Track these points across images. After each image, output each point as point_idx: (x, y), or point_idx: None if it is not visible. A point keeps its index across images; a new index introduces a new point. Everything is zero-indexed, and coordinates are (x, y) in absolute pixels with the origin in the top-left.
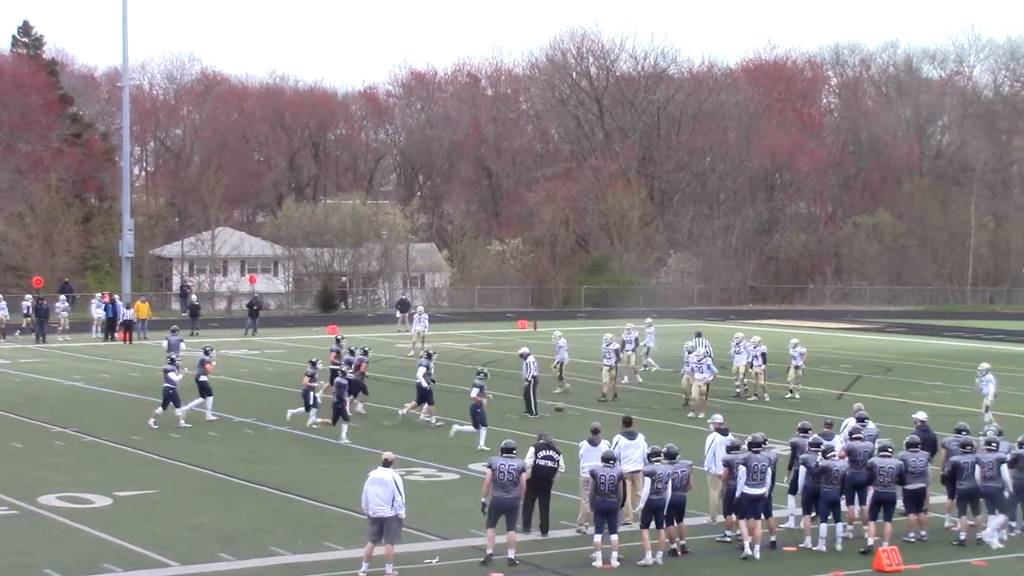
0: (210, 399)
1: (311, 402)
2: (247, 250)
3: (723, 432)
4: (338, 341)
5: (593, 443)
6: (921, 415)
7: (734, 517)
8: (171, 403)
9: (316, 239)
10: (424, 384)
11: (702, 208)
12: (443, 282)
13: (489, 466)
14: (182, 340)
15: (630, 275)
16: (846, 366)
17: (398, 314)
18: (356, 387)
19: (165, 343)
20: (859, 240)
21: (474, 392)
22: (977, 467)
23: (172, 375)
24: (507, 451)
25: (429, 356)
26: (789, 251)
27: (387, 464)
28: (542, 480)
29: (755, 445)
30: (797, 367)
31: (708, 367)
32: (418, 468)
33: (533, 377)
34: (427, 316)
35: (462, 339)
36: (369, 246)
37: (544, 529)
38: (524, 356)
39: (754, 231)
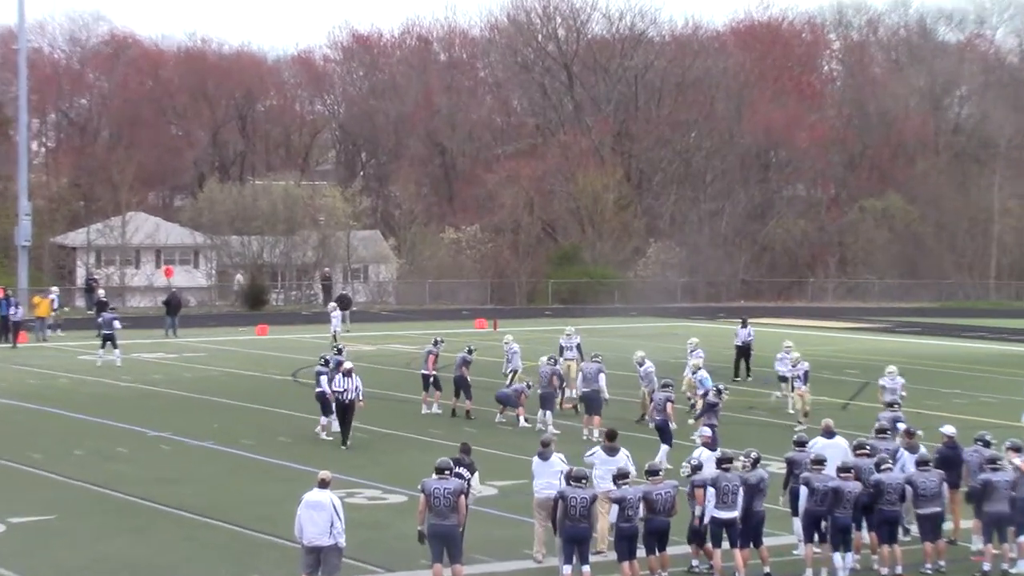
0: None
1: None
2: (163, 238)
3: (711, 448)
4: (436, 343)
5: (543, 457)
6: (949, 429)
7: (710, 545)
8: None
9: (243, 226)
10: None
11: (686, 191)
12: (389, 275)
13: (421, 489)
14: (116, 317)
15: (604, 267)
16: (852, 371)
17: (338, 311)
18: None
19: (100, 319)
20: (866, 227)
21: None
22: None
23: (325, 379)
24: (441, 471)
25: (470, 351)
26: (786, 240)
27: (324, 485)
28: None
29: (724, 461)
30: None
31: (701, 381)
32: (360, 489)
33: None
34: (340, 314)
35: (410, 341)
36: (304, 234)
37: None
38: (347, 373)
39: (746, 217)
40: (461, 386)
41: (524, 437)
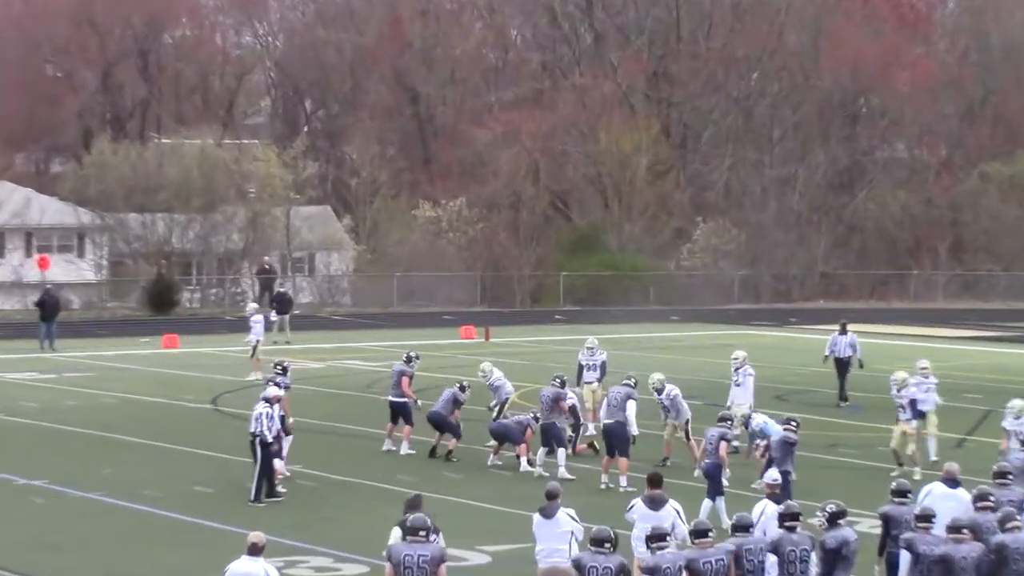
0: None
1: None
2: (36, 217)
3: (777, 500)
4: (410, 360)
5: (547, 513)
6: None
7: None
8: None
9: (145, 200)
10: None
11: (746, 151)
12: (344, 266)
13: (388, 557)
14: None
15: (635, 256)
16: (971, 396)
17: (274, 316)
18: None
19: None
20: (989, 201)
21: None
22: None
23: (276, 407)
24: (414, 532)
25: (463, 389)
26: (881, 218)
27: (255, 551)
28: None
29: (789, 518)
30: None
31: (761, 429)
32: (305, 556)
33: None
34: (263, 319)
35: (372, 355)
36: (228, 211)
37: None
38: (272, 402)
39: (827, 187)
40: (442, 426)
41: (527, 485)
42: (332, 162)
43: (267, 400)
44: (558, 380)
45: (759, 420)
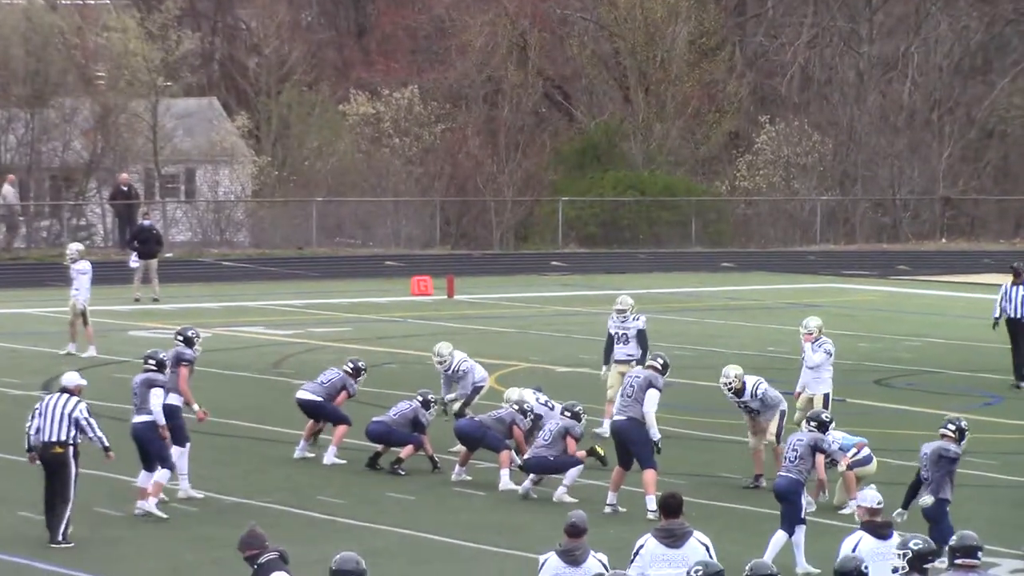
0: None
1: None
2: None
3: (878, 532)
4: (357, 373)
5: (572, 560)
6: None
7: None
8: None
9: None
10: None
11: (834, 19)
12: (239, 188)
13: None
14: None
15: (669, 174)
16: None
17: (134, 261)
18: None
19: None
20: None
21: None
22: None
23: (158, 393)
24: None
25: (427, 404)
26: None
27: None
28: None
29: (920, 560)
30: None
31: (840, 446)
32: None
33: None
34: (90, 269)
35: (279, 320)
36: (66, 105)
37: None
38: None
39: (952, 73)
40: (389, 440)
41: (510, 511)
42: (220, 34)
43: (68, 391)
44: (569, 413)
45: (835, 437)
